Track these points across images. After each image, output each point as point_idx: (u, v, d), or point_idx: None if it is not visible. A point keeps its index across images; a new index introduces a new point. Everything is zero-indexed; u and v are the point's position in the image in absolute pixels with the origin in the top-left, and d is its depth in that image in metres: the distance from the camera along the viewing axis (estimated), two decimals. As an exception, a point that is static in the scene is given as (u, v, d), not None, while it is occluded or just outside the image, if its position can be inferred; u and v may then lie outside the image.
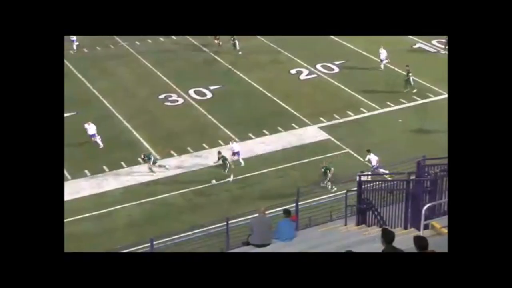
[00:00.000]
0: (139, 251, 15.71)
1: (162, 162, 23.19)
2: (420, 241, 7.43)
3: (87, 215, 20.76)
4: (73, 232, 19.82)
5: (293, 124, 25.98)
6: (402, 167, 14.16)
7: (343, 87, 29.07)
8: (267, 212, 13.54)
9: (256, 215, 13.07)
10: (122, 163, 23.26)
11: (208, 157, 23.25)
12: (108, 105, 27.70)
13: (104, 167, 23.18)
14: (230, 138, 24.42)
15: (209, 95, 28.55)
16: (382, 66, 30.28)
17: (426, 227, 10.80)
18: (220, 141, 24.68)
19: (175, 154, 24.00)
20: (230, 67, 31.17)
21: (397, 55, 31.06)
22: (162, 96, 28.37)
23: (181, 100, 28.09)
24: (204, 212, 20.59)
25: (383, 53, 30.12)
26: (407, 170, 13.03)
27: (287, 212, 13.29)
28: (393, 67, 30.12)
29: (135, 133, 25.56)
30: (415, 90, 27.89)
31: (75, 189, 22.00)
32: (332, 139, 24.89)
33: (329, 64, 31.20)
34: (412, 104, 27.39)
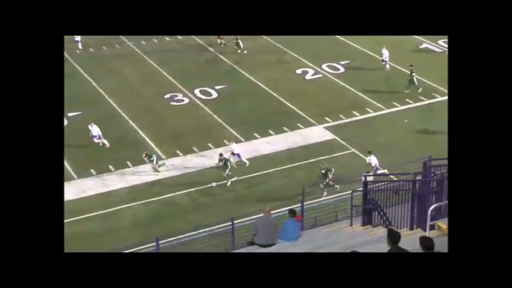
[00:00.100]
0: (145, 250, 15.72)
1: (161, 161, 23.15)
2: (426, 242, 7.40)
3: (93, 214, 20.81)
4: (79, 231, 19.89)
5: (298, 124, 25.95)
6: (408, 168, 14.12)
7: (348, 87, 29.01)
8: (272, 212, 13.52)
9: (261, 215, 13.05)
10: (128, 162, 23.29)
11: (213, 157, 23.23)
12: (114, 104, 27.76)
13: (110, 166, 23.23)
14: (235, 138, 24.41)
15: (214, 94, 28.56)
16: (387, 66, 30.20)
17: (432, 227, 10.77)
18: (225, 141, 24.67)
19: (180, 154, 24.02)
20: (235, 67, 31.17)
21: (403, 55, 30.98)
22: (167, 96, 28.40)
23: (186, 100, 28.11)
24: (209, 211, 20.60)
25: (385, 53, 30.04)
26: (413, 170, 12.98)
27: (292, 212, 13.27)
28: (399, 68, 30.01)
29: (140, 132, 25.60)
30: (420, 90, 27.79)
31: (81, 188, 22.05)
32: (338, 139, 24.84)
33: (334, 64, 31.15)
34: (418, 104, 27.30)
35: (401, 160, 17.70)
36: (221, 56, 32.20)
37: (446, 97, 27.07)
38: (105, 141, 24.17)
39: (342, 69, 30.74)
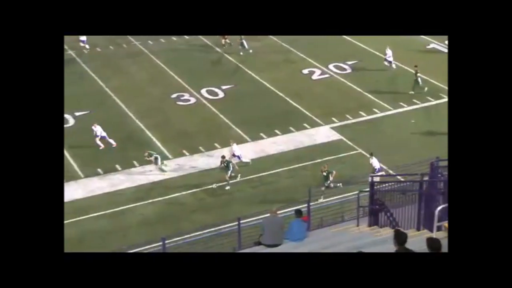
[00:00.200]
0: (151, 250, 15.76)
1: (165, 162, 23.13)
2: (433, 243, 7.39)
3: (100, 213, 20.89)
4: (87, 230, 19.98)
5: (305, 124, 25.93)
6: (415, 169, 14.08)
7: (355, 87, 28.97)
8: (278, 212, 13.53)
9: (268, 215, 13.06)
10: (134, 162, 23.35)
11: (220, 157, 23.25)
12: (121, 104, 27.84)
13: (117, 166, 23.30)
14: (235, 138, 24.37)
15: (221, 94, 28.59)
16: (393, 65, 30.14)
17: (439, 228, 10.74)
18: (231, 141, 24.67)
19: (187, 154, 24.06)
20: (242, 66, 31.19)
21: (411, 55, 30.90)
22: (174, 96, 28.46)
23: (193, 100, 28.15)
24: (216, 211, 20.62)
25: (389, 53, 29.96)
26: (420, 171, 12.95)
27: (298, 213, 13.27)
28: (406, 68, 29.93)
29: (147, 132, 25.66)
30: (425, 89, 27.68)
31: (88, 187, 22.14)
32: (344, 139, 24.81)
33: (341, 64, 31.11)
34: (425, 104, 27.22)
35: (408, 161, 17.63)
36: (228, 56, 32.23)
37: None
38: (111, 141, 24.17)
39: (349, 69, 30.70)
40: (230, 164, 21.86)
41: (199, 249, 14.76)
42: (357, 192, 14.74)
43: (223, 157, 22.05)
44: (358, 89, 28.74)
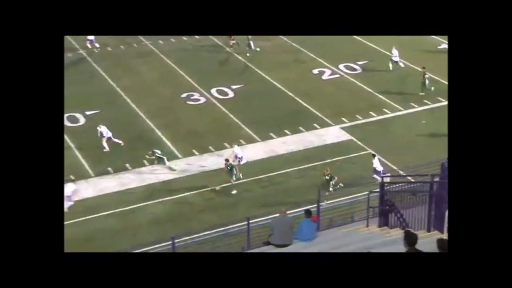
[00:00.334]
0: (160, 249, 15.79)
1: (170, 162, 23.15)
2: (443, 244, 7.36)
3: (109, 212, 20.97)
4: (97, 229, 20.07)
5: (315, 124, 25.88)
6: (425, 169, 14.00)
7: (365, 87, 28.87)
8: (287, 212, 13.51)
9: (277, 215, 13.05)
10: (144, 161, 23.42)
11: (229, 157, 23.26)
12: (131, 103, 27.94)
13: (127, 165, 23.38)
14: (251, 137, 24.42)
15: (231, 94, 28.61)
16: (401, 64, 30.01)
17: (449, 230, 10.66)
18: (241, 141, 24.72)
19: (196, 153, 24.10)
20: (252, 66, 31.19)
21: (422, 55, 30.73)
22: (184, 95, 28.51)
23: (203, 99, 28.19)
24: (225, 211, 20.64)
25: (395, 53, 29.83)
26: (431, 172, 12.88)
27: (308, 213, 13.25)
28: (417, 68, 29.77)
29: (157, 132, 25.73)
30: (432, 88, 27.48)
31: (98, 186, 22.24)
32: (355, 139, 24.73)
33: (351, 64, 31.02)
34: (436, 105, 27.07)
35: (418, 162, 17.54)
36: (238, 56, 32.24)
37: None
38: (117, 140, 24.16)
39: (359, 69, 30.60)
40: (234, 169, 21.73)
41: (208, 249, 14.77)
42: (367, 192, 14.68)
43: (226, 160, 21.97)
44: (369, 89, 28.64)
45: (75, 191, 21.01)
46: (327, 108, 27.06)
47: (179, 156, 23.91)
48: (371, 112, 26.67)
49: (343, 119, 26.20)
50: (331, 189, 20.91)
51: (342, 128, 25.59)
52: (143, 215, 20.85)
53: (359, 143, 24.43)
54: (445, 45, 32.57)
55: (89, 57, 32.32)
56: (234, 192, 21.65)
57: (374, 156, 21.94)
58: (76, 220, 20.45)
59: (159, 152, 23.00)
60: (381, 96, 27.97)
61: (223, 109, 27.33)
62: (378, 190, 13.95)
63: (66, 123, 26.14)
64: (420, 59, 30.07)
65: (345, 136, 25.01)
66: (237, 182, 21.82)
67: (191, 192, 21.91)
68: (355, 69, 30.63)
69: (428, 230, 11.86)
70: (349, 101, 27.78)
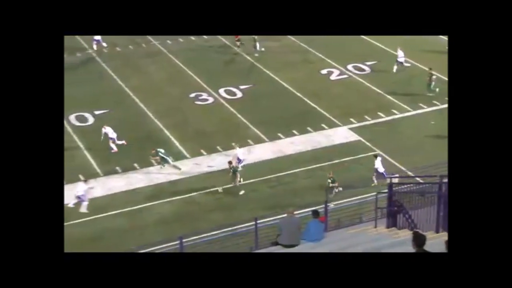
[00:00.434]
0: (168, 249, 15.82)
1: (174, 162, 23.17)
2: (452, 245, 7.29)
3: (117, 211, 21.05)
4: (105, 228, 20.14)
5: (323, 125, 25.84)
6: (434, 170, 13.93)
7: (374, 88, 28.78)
8: (295, 212, 13.49)
9: (285, 215, 13.03)
10: (153, 161, 23.47)
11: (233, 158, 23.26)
12: (140, 103, 28.02)
13: (135, 164, 23.45)
14: (260, 137, 24.40)
15: (239, 94, 28.62)
16: (407, 64, 29.91)
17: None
18: (249, 141, 24.73)
19: (204, 153, 24.13)
20: (260, 66, 31.18)
21: (431, 56, 30.59)
22: (192, 95, 28.56)
23: (211, 99, 28.22)
24: (233, 211, 20.65)
25: (400, 53, 29.72)
26: (440, 173, 12.81)
27: (315, 213, 13.22)
28: (426, 68, 29.65)
29: (166, 131, 25.79)
30: (437, 90, 27.33)
31: (106, 185, 22.32)
32: (363, 140, 24.67)
33: (360, 65, 30.94)
34: (445, 106, 26.92)
35: (427, 162, 17.47)
36: (246, 56, 32.24)
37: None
38: (120, 142, 24.09)
39: (368, 70, 30.52)
40: (237, 172, 21.61)
41: (216, 249, 14.78)
42: (375, 193, 14.63)
43: (230, 162, 21.94)
44: (377, 90, 28.55)
45: (88, 191, 21.11)
46: (335, 109, 27.00)
47: (187, 156, 23.95)
48: (379, 113, 26.59)
49: (352, 119, 26.14)
50: (332, 193, 20.80)
51: (350, 129, 25.53)
52: (151, 214, 20.90)
53: (367, 143, 24.37)
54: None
55: (98, 57, 32.45)
56: (242, 192, 21.65)
57: (376, 156, 21.89)
58: (85, 219, 20.55)
59: (163, 151, 23.02)
60: (389, 97, 27.88)
61: (231, 109, 27.35)
62: (386, 191, 13.89)
63: (75, 122, 26.27)
64: (429, 59, 29.93)
65: (353, 137, 24.95)
66: (239, 184, 21.68)
67: (199, 192, 21.94)
68: (363, 70, 30.55)
69: (437, 231, 11.80)
70: (358, 102, 27.70)
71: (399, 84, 28.83)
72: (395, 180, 15.22)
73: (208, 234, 16.89)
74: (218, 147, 24.41)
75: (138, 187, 22.29)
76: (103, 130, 24.06)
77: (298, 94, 28.35)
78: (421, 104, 27.10)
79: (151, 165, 23.33)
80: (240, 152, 22.80)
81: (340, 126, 25.75)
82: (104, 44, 33.04)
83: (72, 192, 20.75)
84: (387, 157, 23.02)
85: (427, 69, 28.29)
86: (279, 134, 25.23)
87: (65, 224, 19.95)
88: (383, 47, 32.49)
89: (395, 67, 29.77)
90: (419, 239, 7.71)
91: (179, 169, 22.91)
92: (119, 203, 21.42)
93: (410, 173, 20.91)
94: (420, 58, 30.57)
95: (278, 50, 32.60)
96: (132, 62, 32.15)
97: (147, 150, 24.03)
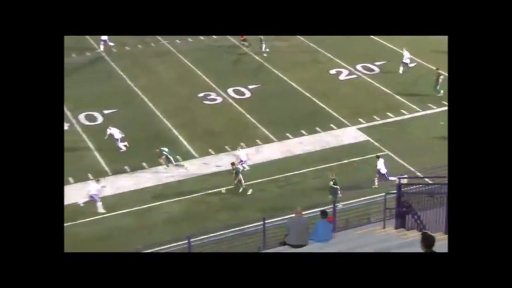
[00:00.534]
0: (176, 248, 15.84)
1: (179, 161, 23.18)
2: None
3: (126, 210, 21.11)
4: (113, 227, 20.22)
5: (331, 125, 25.79)
6: (443, 171, 13.85)
7: (383, 88, 28.69)
8: (303, 212, 13.46)
9: (293, 215, 13.01)
10: (161, 160, 23.53)
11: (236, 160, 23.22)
12: (148, 102, 28.10)
13: (144, 164, 23.52)
14: (268, 137, 24.37)
15: (247, 94, 28.62)
16: (412, 64, 29.79)
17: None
18: (257, 140, 24.72)
19: (213, 153, 24.15)
20: (269, 66, 31.16)
21: (440, 56, 30.41)
22: (201, 95, 28.60)
23: (220, 99, 28.25)
24: (241, 210, 20.66)
25: (406, 54, 29.59)
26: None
27: (324, 213, 13.18)
28: (435, 69, 29.51)
29: (174, 131, 25.85)
30: (442, 91, 27.17)
31: (115, 184, 22.40)
32: (371, 140, 24.60)
33: (369, 65, 30.85)
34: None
35: (436, 163, 17.38)
36: (255, 56, 32.24)
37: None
38: (123, 143, 24.21)
39: (376, 70, 30.42)
40: (239, 174, 21.55)
41: (224, 248, 14.79)
42: (383, 194, 14.58)
43: (233, 163, 21.93)
44: (386, 90, 28.46)
45: (100, 190, 21.19)
46: (344, 109, 26.94)
47: (196, 155, 23.99)
48: (388, 113, 26.50)
49: (360, 119, 26.06)
50: (337, 194, 20.71)
51: (359, 129, 25.47)
52: (159, 214, 20.96)
53: (376, 144, 24.29)
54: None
55: (107, 57, 32.56)
56: (249, 192, 21.65)
57: (378, 157, 21.82)
58: (94, 218, 20.65)
59: (167, 150, 23.05)
60: (398, 97, 27.77)
61: (240, 109, 27.36)
62: (395, 191, 13.83)
63: (84, 121, 26.39)
64: (439, 59, 29.75)
65: (362, 137, 24.88)
66: (240, 185, 21.61)
67: (207, 192, 21.97)
68: (372, 70, 30.46)
69: (446, 233, 11.73)
70: (366, 102, 27.62)
71: (408, 84, 28.72)
72: (404, 181, 15.14)
73: (216, 233, 16.90)
74: (226, 147, 24.43)
75: (147, 186, 22.35)
76: (108, 131, 24.15)
77: (307, 94, 28.31)
78: (430, 105, 26.98)
79: (160, 164, 23.39)
80: (243, 153, 22.79)
81: (349, 126, 25.69)
82: (111, 44, 33.14)
83: (81, 191, 20.87)
84: (395, 157, 22.95)
85: (434, 68, 28.17)
86: (288, 134, 25.21)
87: (73, 223, 20.13)
88: (392, 47, 32.37)
89: (401, 68, 29.66)
90: (428, 240, 7.66)
91: (183, 165, 22.90)
92: (128, 202, 21.49)
93: (419, 174, 20.80)
94: (429, 58, 30.40)
95: (287, 50, 32.57)
96: (141, 61, 32.25)
97: (155, 150, 24.09)
